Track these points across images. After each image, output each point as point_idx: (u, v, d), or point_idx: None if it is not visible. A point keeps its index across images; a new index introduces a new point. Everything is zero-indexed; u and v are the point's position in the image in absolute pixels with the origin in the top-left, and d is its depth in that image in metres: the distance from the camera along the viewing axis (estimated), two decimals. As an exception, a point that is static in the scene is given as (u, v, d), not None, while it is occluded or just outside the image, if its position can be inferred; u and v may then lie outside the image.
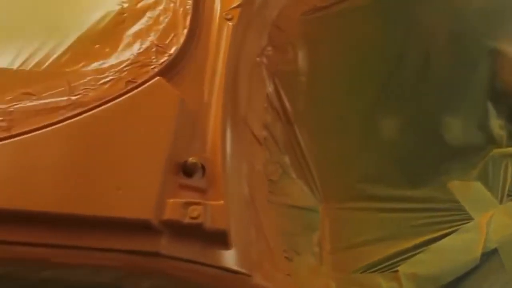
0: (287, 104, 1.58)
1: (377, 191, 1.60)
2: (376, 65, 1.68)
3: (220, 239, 1.25)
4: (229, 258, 1.28)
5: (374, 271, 1.50)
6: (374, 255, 1.52)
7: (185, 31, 1.44)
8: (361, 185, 1.61)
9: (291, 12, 1.63)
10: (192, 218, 1.22)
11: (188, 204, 1.23)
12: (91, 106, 1.32)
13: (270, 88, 1.57)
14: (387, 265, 1.52)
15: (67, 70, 1.40)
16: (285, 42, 1.60)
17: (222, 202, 1.26)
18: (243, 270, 1.28)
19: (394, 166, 1.64)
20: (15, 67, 1.41)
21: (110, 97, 1.33)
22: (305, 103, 1.61)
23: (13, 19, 1.52)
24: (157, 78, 1.36)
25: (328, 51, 1.66)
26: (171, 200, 1.22)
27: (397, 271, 1.51)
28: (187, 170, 1.29)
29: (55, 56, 1.42)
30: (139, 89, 1.34)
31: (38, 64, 1.41)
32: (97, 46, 1.45)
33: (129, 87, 1.35)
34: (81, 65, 1.41)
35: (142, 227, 1.21)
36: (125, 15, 1.50)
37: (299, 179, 1.56)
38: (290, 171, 1.54)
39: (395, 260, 1.52)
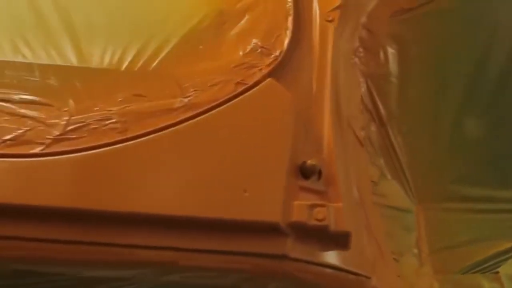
0: (380, 106, 1.59)
1: (471, 192, 1.61)
2: (463, 65, 1.69)
3: (342, 241, 1.24)
4: (349, 260, 1.28)
5: (475, 272, 1.52)
6: (474, 256, 1.53)
7: (288, 32, 1.45)
8: (454, 186, 1.61)
9: (379, 14, 1.63)
10: (318, 220, 1.23)
11: (313, 206, 1.23)
12: (205, 108, 1.31)
13: (363, 89, 1.58)
14: (488, 266, 1.53)
15: (175, 71, 1.40)
16: (375, 44, 1.61)
17: (341, 204, 1.27)
18: (363, 272, 1.30)
19: (486, 167, 1.65)
20: (122, 67, 1.40)
21: (224, 99, 1.33)
22: (397, 104, 1.61)
23: (114, 19, 1.50)
24: (269, 79, 1.37)
25: (417, 52, 1.67)
26: (296, 203, 1.23)
27: (497, 272, 1.53)
28: (305, 172, 1.29)
29: (160, 57, 1.42)
30: (252, 90, 1.34)
31: (144, 64, 1.40)
32: (201, 47, 1.45)
33: (241, 89, 1.35)
34: (187, 66, 1.41)
35: (269, 230, 1.21)
36: (224, 16, 1.50)
37: (393, 180, 1.57)
38: (386, 172, 1.55)
39: (495, 261, 1.53)
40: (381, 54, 1.62)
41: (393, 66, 1.63)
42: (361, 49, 1.59)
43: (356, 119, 1.49)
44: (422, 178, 1.59)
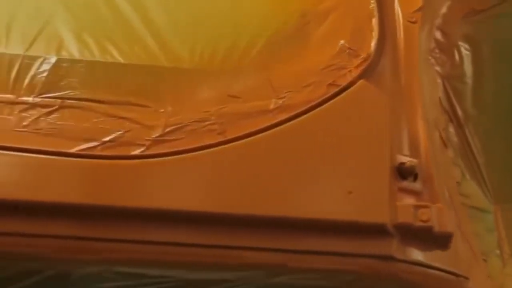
0: (457, 107, 1.60)
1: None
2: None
3: (443, 241, 1.25)
4: (448, 260, 1.28)
5: (558, 274, 1.53)
6: (555, 258, 1.55)
7: (374, 33, 1.45)
8: (529, 187, 1.64)
9: (452, 16, 1.65)
10: (422, 221, 1.23)
11: (417, 207, 1.24)
12: (301, 109, 1.32)
13: (440, 90, 1.59)
14: None
15: (265, 71, 1.39)
16: (450, 45, 1.62)
17: (441, 205, 1.28)
18: (462, 273, 1.30)
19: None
20: (213, 67, 1.39)
21: (319, 101, 1.33)
22: (472, 105, 1.63)
23: (196, 19, 1.48)
24: (361, 81, 1.37)
25: (490, 53, 1.68)
26: (400, 204, 1.23)
27: None
28: (403, 173, 1.30)
29: (249, 57, 1.40)
30: (346, 92, 1.35)
31: (235, 65, 1.39)
32: (287, 47, 1.44)
33: (334, 91, 1.35)
34: (277, 66, 1.40)
35: (375, 231, 1.21)
36: (307, 16, 1.50)
37: (472, 181, 1.58)
38: (465, 173, 1.56)
39: None
40: (456, 55, 1.64)
41: (467, 67, 1.65)
42: (437, 50, 1.60)
43: (439, 121, 1.51)
44: (497, 179, 1.60)
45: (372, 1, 1.50)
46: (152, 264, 1.19)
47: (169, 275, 1.21)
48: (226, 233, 1.18)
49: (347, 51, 1.43)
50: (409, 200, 1.26)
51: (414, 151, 1.33)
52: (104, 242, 1.16)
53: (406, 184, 1.28)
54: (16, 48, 1.40)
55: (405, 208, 1.22)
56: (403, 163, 1.29)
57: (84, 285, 1.24)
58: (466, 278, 1.29)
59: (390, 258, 1.20)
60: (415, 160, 1.29)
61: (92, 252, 1.17)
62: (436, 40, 1.61)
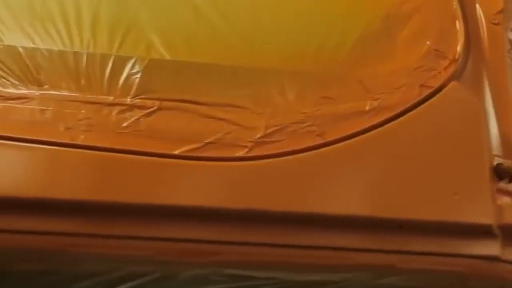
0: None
1: None
2: None
3: (545, 243, 1.28)
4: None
5: None
6: None
7: (459, 35, 1.46)
8: None
9: (525, 17, 1.66)
10: (525, 222, 1.26)
11: (520, 209, 1.26)
12: (398, 111, 1.32)
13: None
14: None
15: (357, 73, 1.39)
16: (525, 47, 1.64)
17: (540, 206, 1.30)
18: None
19: None
20: (303, 67, 1.39)
21: (414, 102, 1.34)
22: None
23: (280, 23, 1.46)
24: (453, 82, 1.38)
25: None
26: (504, 204, 1.25)
27: None
28: (500, 174, 1.31)
29: (340, 59, 1.40)
30: (440, 94, 1.36)
31: (326, 66, 1.39)
32: (374, 48, 1.44)
33: (428, 93, 1.35)
34: (367, 68, 1.40)
35: (481, 232, 1.23)
36: (391, 17, 1.50)
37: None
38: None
39: None
40: (531, 57, 1.65)
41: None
42: (512, 51, 1.62)
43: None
44: None
45: (454, 3, 1.52)
46: (261, 266, 1.20)
47: (276, 276, 1.22)
48: (335, 235, 1.19)
49: (434, 52, 1.44)
50: (507, 201, 1.29)
51: (507, 151, 1.35)
52: (217, 244, 1.16)
53: (502, 185, 1.31)
54: (103, 49, 1.39)
55: (509, 209, 1.25)
56: (500, 164, 1.31)
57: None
58: (563, 277, 1.32)
59: (496, 259, 1.22)
60: (510, 161, 1.33)
61: (204, 254, 1.18)
62: (510, 41, 1.63)
